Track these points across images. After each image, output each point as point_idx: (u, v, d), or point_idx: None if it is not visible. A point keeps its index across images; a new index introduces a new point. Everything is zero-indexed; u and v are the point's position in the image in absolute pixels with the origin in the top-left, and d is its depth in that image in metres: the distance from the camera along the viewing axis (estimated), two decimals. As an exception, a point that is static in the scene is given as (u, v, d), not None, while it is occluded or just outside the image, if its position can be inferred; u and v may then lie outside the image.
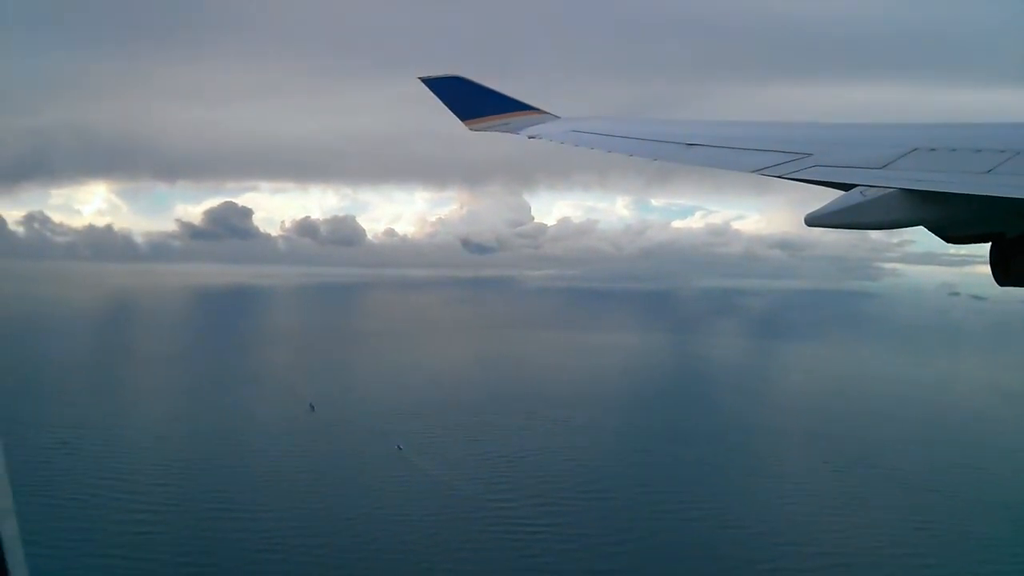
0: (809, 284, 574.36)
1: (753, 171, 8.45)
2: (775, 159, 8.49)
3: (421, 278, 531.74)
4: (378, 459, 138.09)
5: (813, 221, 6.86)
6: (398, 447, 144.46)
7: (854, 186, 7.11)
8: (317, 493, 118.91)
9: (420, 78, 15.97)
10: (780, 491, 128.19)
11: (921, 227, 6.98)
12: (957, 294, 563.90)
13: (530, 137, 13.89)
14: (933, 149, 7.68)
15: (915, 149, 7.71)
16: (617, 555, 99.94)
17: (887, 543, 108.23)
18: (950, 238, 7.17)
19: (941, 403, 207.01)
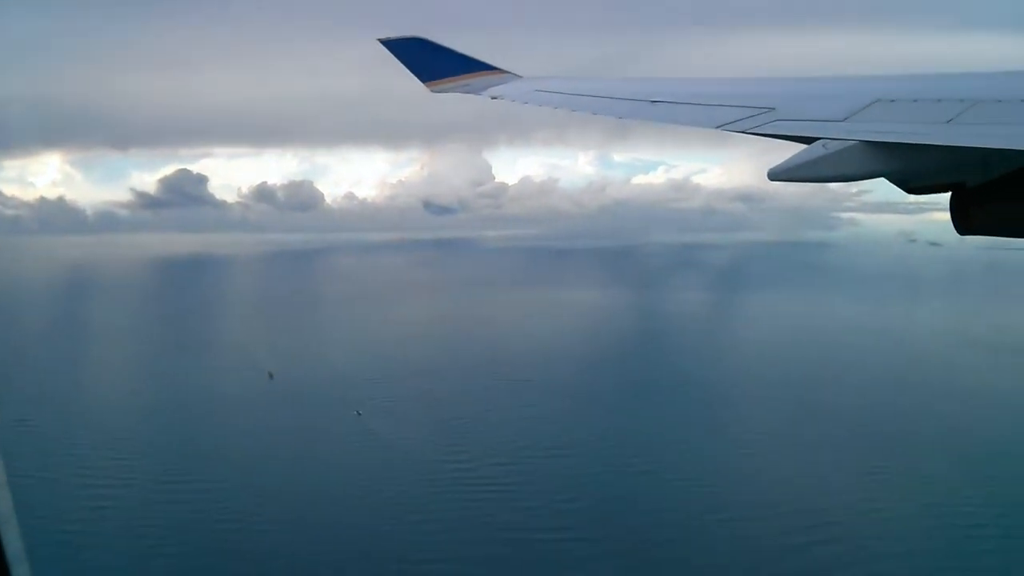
0: (769, 236, 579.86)
1: (717, 127, 8.49)
2: (738, 114, 8.53)
3: (382, 241, 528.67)
4: (336, 426, 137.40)
5: (776, 175, 6.84)
6: (357, 413, 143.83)
7: (816, 139, 7.09)
8: (275, 460, 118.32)
9: (380, 40, 15.84)
10: (739, 442, 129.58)
11: (882, 178, 7.01)
12: (914, 241, 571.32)
13: (493, 98, 13.89)
14: (894, 100, 7.73)
15: (876, 101, 7.75)
16: (574, 512, 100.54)
17: (840, 489, 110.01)
18: (911, 189, 7.23)
19: (897, 350, 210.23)
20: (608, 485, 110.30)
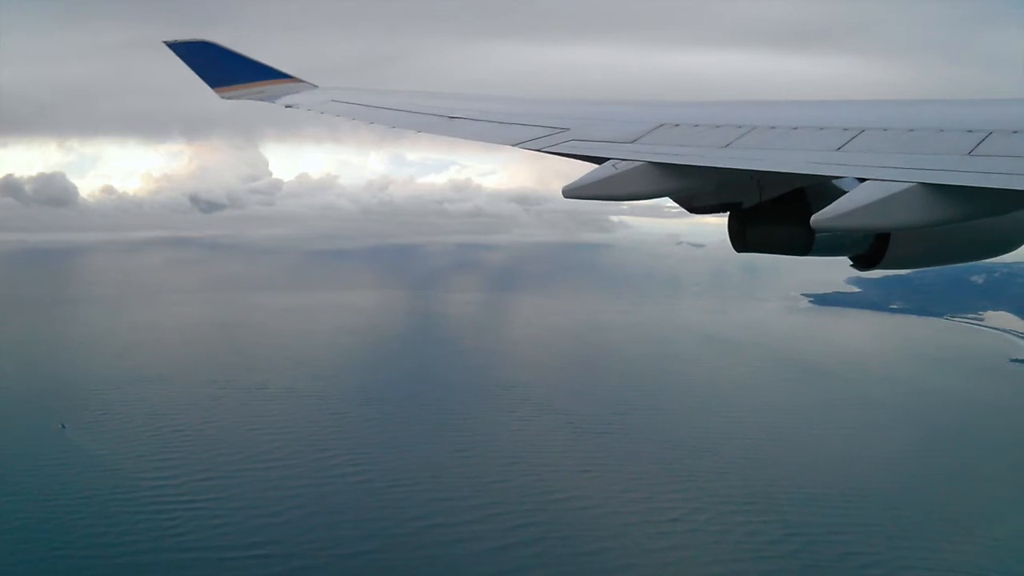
0: (545, 237, 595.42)
1: (515, 144, 8.82)
2: (535, 133, 8.87)
3: (145, 239, 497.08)
4: (37, 438, 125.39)
5: (570, 193, 6.88)
6: (61, 426, 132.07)
7: (607, 159, 7.21)
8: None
9: (166, 42, 15.25)
10: (460, 443, 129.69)
11: (668, 198, 7.35)
12: (681, 243, 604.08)
13: (287, 106, 13.81)
14: (678, 125, 8.02)
15: (661, 125, 8.04)
16: (273, 526, 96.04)
17: (549, 488, 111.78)
18: (694, 208, 7.73)
19: (637, 349, 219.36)
20: (319, 496, 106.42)
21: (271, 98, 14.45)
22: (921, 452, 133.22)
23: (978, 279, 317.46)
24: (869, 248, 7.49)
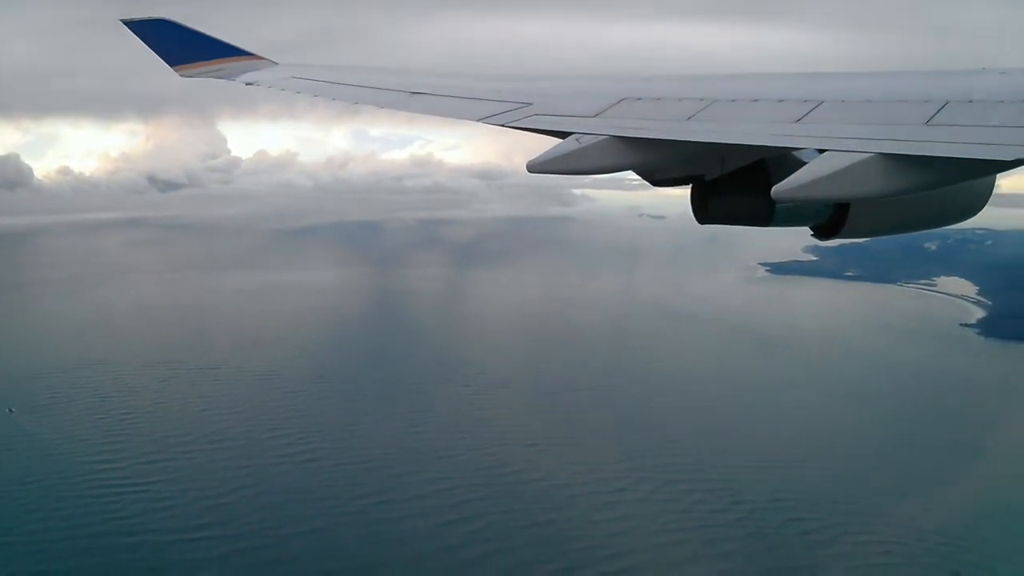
0: (508, 212, 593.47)
1: (478, 119, 8.94)
2: (498, 108, 8.93)
3: (102, 220, 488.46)
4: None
5: (534, 168, 6.96)
6: (9, 410, 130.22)
7: (570, 134, 7.29)
8: None
9: (123, 20, 14.98)
10: (412, 419, 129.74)
11: (631, 171, 7.40)
12: (642, 215, 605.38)
13: (248, 84, 13.74)
14: (640, 99, 8.10)
15: (624, 99, 8.10)
16: (215, 508, 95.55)
17: (499, 463, 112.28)
18: (656, 181, 7.81)
19: (595, 323, 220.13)
20: (267, 476, 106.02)
21: (231, 76, 14.39)
22: (868, 419, 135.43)
23: (931, 246, 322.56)
24: (829, 218, 7.58)
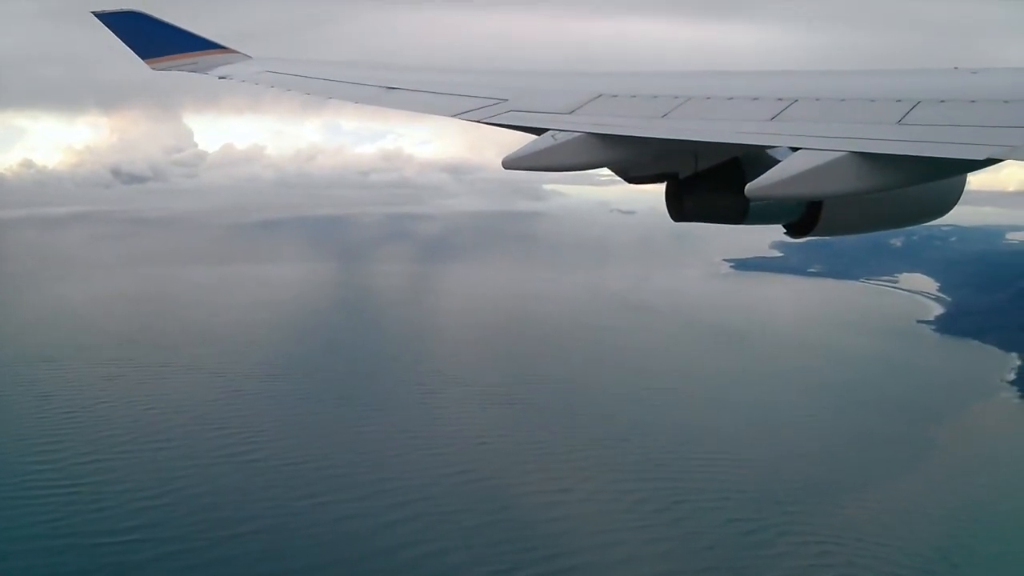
0: (478, 207, 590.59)
1: (454, 115, 8.97)
2: (474, 104, 8.96)
3: (65, 215, 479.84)
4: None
5: (509, 164, 6.97)
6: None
7: (546, 130, 7.31)
8: None
9: (94, 13, 15.03)
10: (360, 418, 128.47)
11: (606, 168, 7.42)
12: (612, 210, 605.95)
13: (221, 77, 13.78)
14: (615, 95, 8.13)
15: (599, 95, 8.14)
16: (150, 509, 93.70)
17: (446, 462, 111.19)
18: (631, 179, 7.94)
19: (557, 318, 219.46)
20: (207, 476, 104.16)
21: (203, 69, 14.39)
22: (819, 415, 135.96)
23: (897, 242, 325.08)
24: (802, 216, 7.64)
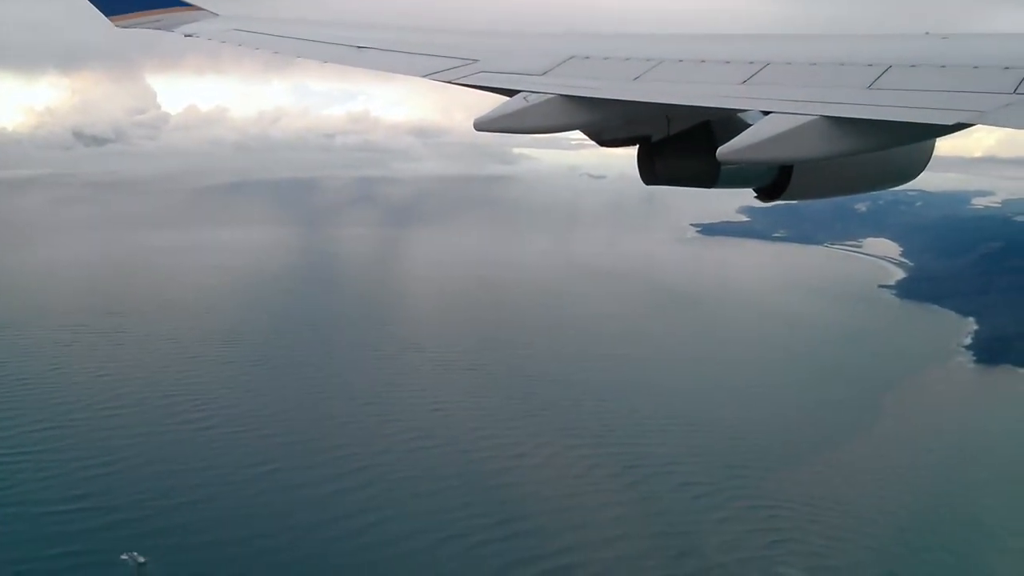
0: (448, 170, 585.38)
1: (423, 75, 8.86)
2: (444, 64, 8.85)
3: (25, 177, 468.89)
4: None
5: (481, 126, 6.91)
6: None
7: (518, 92, 7.24)
8: None
9: None
10: (315, 384, 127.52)
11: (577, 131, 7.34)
12: (582, 174, 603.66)
13: (187, 35, 13.48)
14: (588, 57, 8.09)
15: (572, 57, 8.08)
16: (98, 478, 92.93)
17: (401, 428, 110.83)
18: (603, 142, 7.89)
19: (520, 283, 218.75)
20: (157, 444, 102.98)
21: (169, 27, 14.02)
22: (776, 381, 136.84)
23: (862, 207, 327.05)
24: (773, 180, 7.58)
